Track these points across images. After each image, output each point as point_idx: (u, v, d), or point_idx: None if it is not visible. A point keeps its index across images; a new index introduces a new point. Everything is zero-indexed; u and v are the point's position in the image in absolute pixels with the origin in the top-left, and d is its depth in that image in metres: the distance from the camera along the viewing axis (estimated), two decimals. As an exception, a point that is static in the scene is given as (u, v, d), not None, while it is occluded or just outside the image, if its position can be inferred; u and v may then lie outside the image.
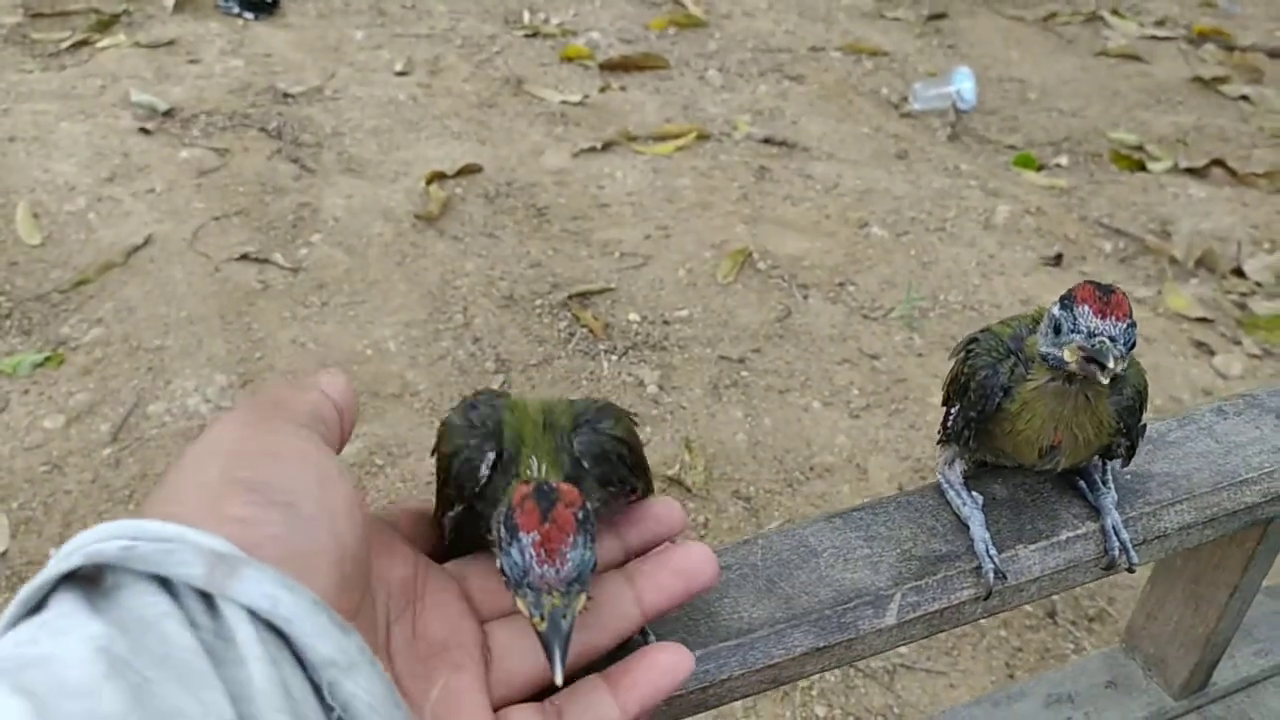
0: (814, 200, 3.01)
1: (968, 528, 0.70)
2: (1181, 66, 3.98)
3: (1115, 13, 4.39)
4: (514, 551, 0.45)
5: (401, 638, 0.50)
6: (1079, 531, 0.71)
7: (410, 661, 0.50)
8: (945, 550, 0.70)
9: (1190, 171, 3.27)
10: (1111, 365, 0.59)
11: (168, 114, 3.15)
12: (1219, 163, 3.28)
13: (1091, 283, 0.63)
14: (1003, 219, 2.96)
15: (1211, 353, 2.50)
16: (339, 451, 0.51)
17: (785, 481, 2.16)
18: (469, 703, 0.49)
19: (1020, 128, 3.54)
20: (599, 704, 0.50)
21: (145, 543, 0.37)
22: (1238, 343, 2.54)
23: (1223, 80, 3.86)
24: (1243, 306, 2.66)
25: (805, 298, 2.62)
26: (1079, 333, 0.61)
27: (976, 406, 0.68)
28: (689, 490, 2.09)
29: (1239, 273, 2.78)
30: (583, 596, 0.46)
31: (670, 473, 2.11)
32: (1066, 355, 0.62)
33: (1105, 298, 0.61)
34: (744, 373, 2.39)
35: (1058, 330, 0.63)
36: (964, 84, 3.56)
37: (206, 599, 0.38)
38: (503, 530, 0.46)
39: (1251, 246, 2.90)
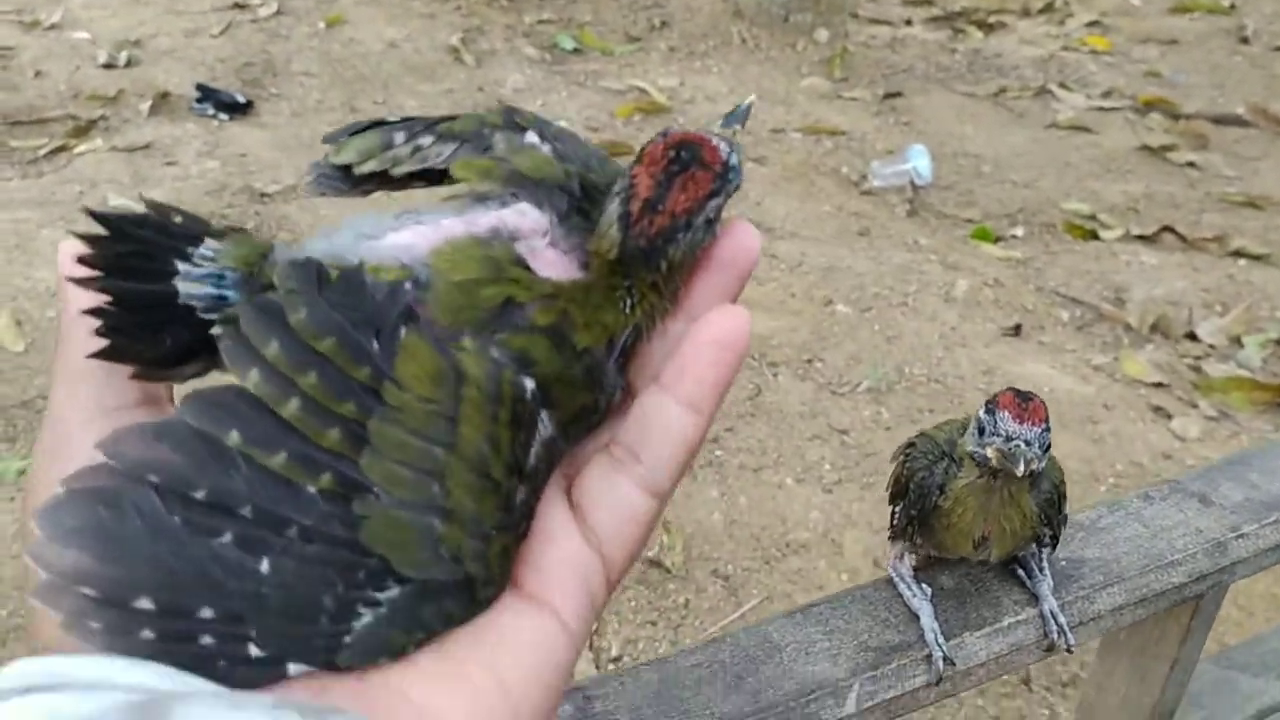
0: (779, 279, 3.10)
1: (918, 618, 0.76)
2: (1129, 136, 4.13)
3: (1063, 86, 4.56)
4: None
5: None
6: (1020, 617, 0.77)
7: None
8: (898, 640, 0.76)
9: (1142, 238, 3.39)
10: (1022, 469, 0.66)
11: (146, 217, 3.21)
12: (1169, 229, 3.40)
13: (1013, 390, 0.70)
14: (962, 292, 3.06)
15: (1169, 417, 2.58)
16: None
17: (763, 559, 2.21)
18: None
19: (976, 201, 3.66)
20: (659, 412, 0.37)
21: (53, 695, 0.27)
22: (1194, 406, 2.62)
23: (1170, 148, 4.00)
24: (1197, 370, 2.75)
25: (775, 376, 2.69)
26: (999, 435, 0.68)
27: (916, 505, 0.74)
28: (669, 571, 2.13)
29: (1192, 337, 2.88)
30: None
31: (650, 554, 2.16)
32: (989, 454, 0.69)
33: (1024, 405, 0.68)
34: (718, 452, 2.45)
35: (981, 432, 0.70)
36: (919, 161, 3.68)
37: None
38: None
39: (1203, 310, 3.00)
